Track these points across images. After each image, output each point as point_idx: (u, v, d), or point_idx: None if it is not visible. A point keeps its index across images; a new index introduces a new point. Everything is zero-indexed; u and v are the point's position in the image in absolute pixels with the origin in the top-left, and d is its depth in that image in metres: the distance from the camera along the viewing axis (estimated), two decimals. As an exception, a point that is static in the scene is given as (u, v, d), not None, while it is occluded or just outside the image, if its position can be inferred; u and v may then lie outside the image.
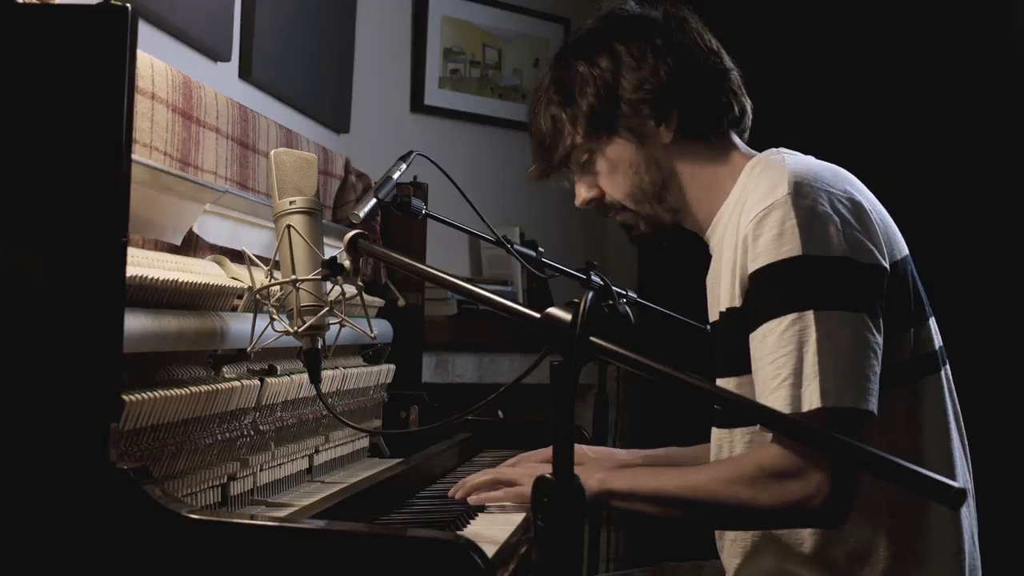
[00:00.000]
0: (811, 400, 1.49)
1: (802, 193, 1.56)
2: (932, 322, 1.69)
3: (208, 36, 2.42)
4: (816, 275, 1.53)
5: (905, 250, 1.67)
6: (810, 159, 1.69)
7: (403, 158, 1.92)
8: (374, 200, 1.80)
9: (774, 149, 1.74)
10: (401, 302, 2.44)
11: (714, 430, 1.74)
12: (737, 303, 1.62)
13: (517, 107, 4.11)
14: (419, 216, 2.02)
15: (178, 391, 1.41)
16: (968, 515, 1.67)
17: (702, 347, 2.30)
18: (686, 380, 1.08)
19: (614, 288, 2.13)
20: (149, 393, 1.34)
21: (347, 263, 1.52)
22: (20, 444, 1.21)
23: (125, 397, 1.28)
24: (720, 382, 1.70)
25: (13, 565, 1.21)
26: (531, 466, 1.88)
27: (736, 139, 1.79)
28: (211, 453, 1.54)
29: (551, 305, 1.15)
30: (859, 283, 1.55)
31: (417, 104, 3.87)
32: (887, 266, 1.59)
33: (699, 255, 1.77)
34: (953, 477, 1.65)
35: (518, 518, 1.73)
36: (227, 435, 1.57)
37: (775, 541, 1.66)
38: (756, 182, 1.64)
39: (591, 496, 1.65)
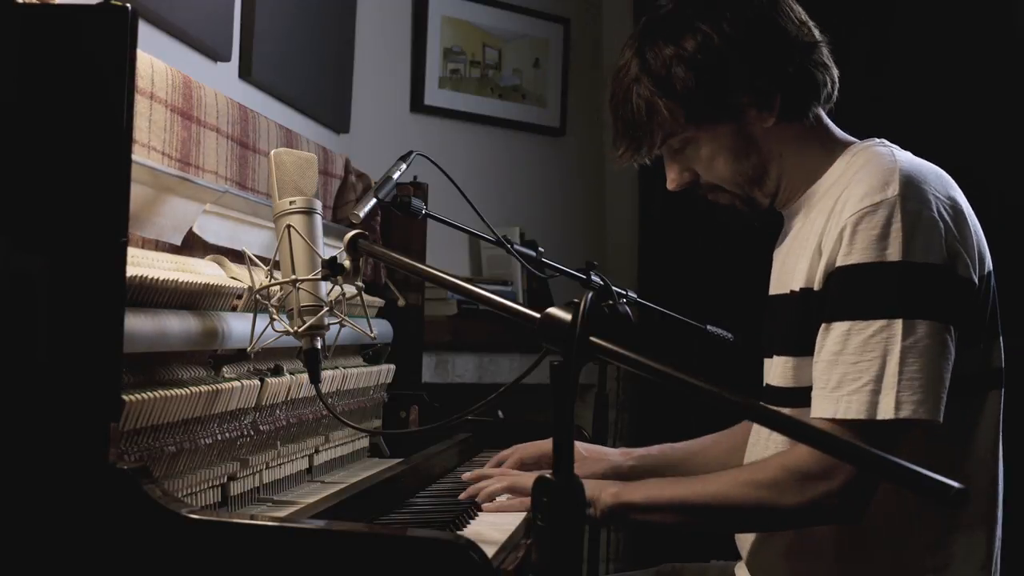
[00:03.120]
0: (886, 410, 1.50)
1: (912, 195, 1.54)
2: (1000, 341, 1.68)
3: (208, 36, 2.42)
4: (912, 283, 1.52)
5: (990, 264, 1.65)
6: (915, 157, 1.66)
7: (403, 158, 1.92)
8: (374, 200, 1.80)
9: (878, 140, 1.71)
10: (401, 302, 2.44)
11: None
12: (816, 287, 1.60)
13: (517, 107, 4.11)
14: (419, 216, 2.02)
15: (178, 391, 1.41)
16: (999, 534, 1.68)
17: (702, 347, 2.32)
18: (686, 380, 1.08)
19: (614, 288, 2.13)
20: (149, 393, 1.34)
21: (347, 263, 1.52)
22: (20, 444, 1.21)
23: (125, 397, 1.28)
24: (776, 359, 1.70)
25: (13, 565, 1.21)
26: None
27: (827, 119, 1.75)
28: (211, 453, 1.54)
29: (551, 305, 1.15)
30: (951, 295, 1.55)
31: (417, 104, 3.87)
32: (976, 281, 1.59)
33: (699, 255, 1.78)
34: (995, 496, 1.66)
35: (518, 518, 1.73)
36: (227, 435, 1.57)
37: (795, 536, 1.67)
38: (861, 173, 1.61)
39: (606, 511, 1.65)
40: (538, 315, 1.16)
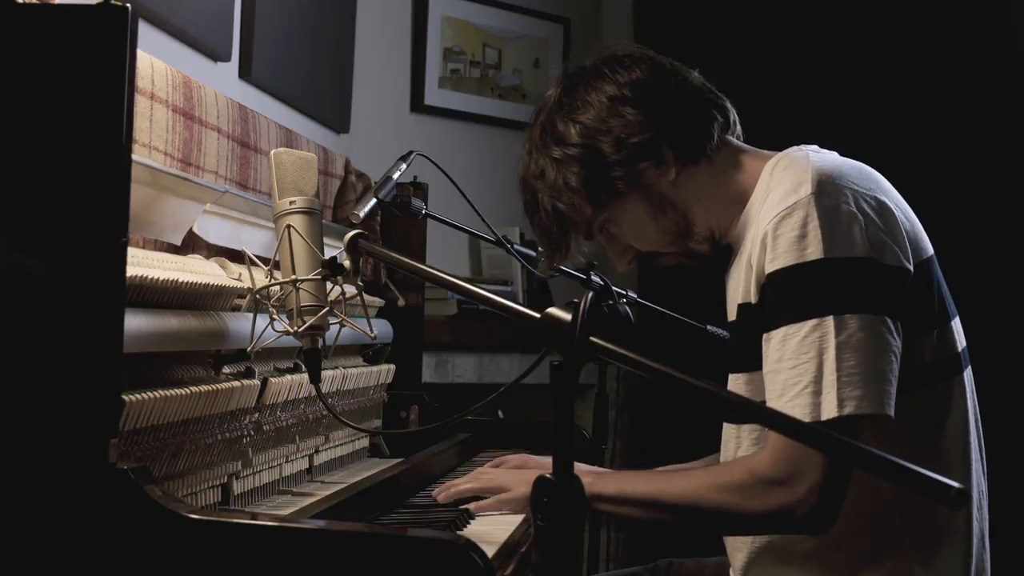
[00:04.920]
0: (829, 409, 1.48)
1: (826, 192, 1.53)
2: (956, 323, 1.66)
3: (208, 36, 2.42)
4: (838, 278, 1.51)
5: (930, 250, 1.64)
6: (836, 156, 1.66)
7: (403, 158, 1.92)
8: (374, 200, 1.80)
9: (797, 147, 1.69)
10: (401, 302, 2.44)
11: (725, 425, 1.74)
12: (752, 299, 1.61)
13: (517, 107, 4.11)
14: (419, 216, 2.02)
15: (178, 391, 1.41)
16: (979, 517, 1.66)
17: (702, 347, 2.32)
18: (686, 380, 1.08)
19: (614, 288, 2.13)
20: (149, 393, 1.34)
21: (347, 263, 1.52)
22: (20, 444, 1.21)
23: (125, 397, 1.28)
24: (732, 377, 1.70)
25: (14, 565, 1.21)
26: (514, 472, 1.89)
27: (738, 143, 1.75)
28: (211, 453, 1.54)
29: (551, 305, 1.15)
30: (881, 285, 1.53)
31: (417, 104, 3.87)
32: (911, 268, 1.56)
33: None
34: (968, 479, 1.64)
35: (518, 518, 1.73)
36: (227, 435, 1.57)
37: (780, 538, 1.67)
38: (780, 178, 1.61)
39: None
40: (538, 315, 1.16)
